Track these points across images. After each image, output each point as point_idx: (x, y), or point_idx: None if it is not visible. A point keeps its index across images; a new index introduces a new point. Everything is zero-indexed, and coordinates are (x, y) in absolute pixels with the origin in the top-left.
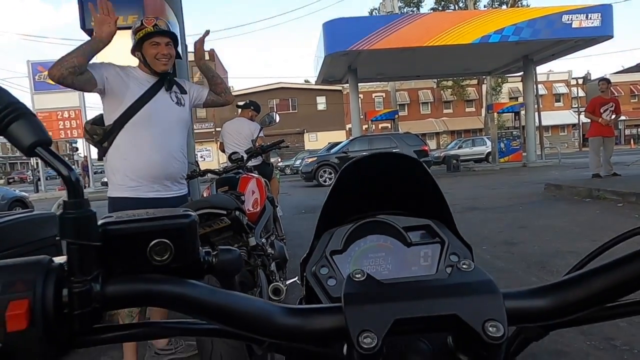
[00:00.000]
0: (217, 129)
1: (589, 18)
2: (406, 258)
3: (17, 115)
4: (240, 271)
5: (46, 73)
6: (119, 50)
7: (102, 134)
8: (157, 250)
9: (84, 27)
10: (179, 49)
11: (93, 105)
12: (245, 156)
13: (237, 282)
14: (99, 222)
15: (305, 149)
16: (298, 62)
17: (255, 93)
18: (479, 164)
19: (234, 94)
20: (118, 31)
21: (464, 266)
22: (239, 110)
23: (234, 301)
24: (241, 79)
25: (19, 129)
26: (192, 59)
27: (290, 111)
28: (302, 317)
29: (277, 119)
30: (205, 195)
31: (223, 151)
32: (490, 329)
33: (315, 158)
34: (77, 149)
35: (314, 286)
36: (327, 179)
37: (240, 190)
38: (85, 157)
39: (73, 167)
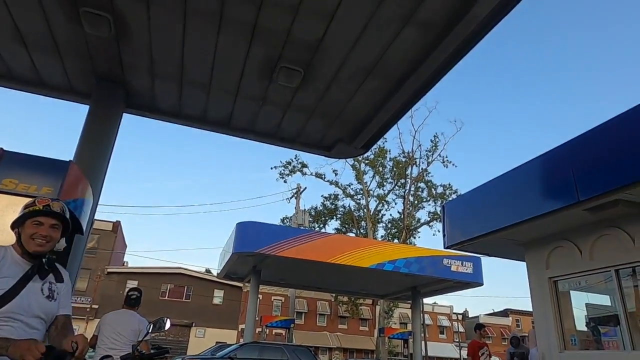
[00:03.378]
0: (94, 306)
1: (464, 265)
2: None
3: None
4: None
5: None
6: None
7: None
8: None
9: None
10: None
11: None
12: None
13: None
14: None
15: (189, 344)
16: (201, 251)
17: (151, 274)
18: None
19: (128, 271)
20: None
21: None
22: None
23: None
24: (140, 256)
25: None
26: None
27: (183, 300)
28: None
29: (168, 326)
30: None
31: (92, 347)
32: None
33: None
34: None
35: None
36: None
37: None
38: None
39: None
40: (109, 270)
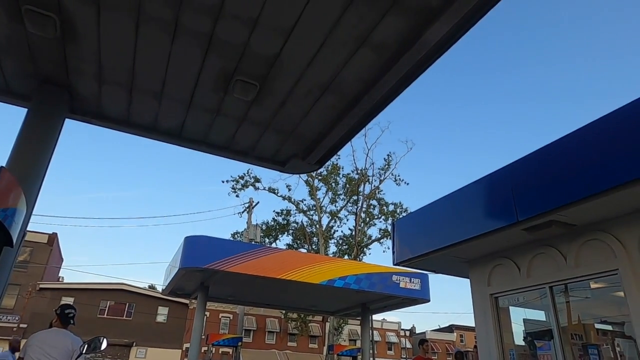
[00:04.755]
0: (22, 325)
1: (412, 281)
2: None
3: None
4: None
5: None
6: None
7: None
8: None
9: None
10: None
11: None
12: None
13: None
14: None
15: None
16: (146, 265)
17: (89, 290)
18: None
19: (63, 287)
20: None
21: None
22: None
23: None
24: (78, 271)
25: None
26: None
27: (124, 318)
28: None
29: (104, 346)
30: None
31: None
32: None
33: None
34: None
35: None
36: None
37: None
38: None
39: None
40: (41, 286)
